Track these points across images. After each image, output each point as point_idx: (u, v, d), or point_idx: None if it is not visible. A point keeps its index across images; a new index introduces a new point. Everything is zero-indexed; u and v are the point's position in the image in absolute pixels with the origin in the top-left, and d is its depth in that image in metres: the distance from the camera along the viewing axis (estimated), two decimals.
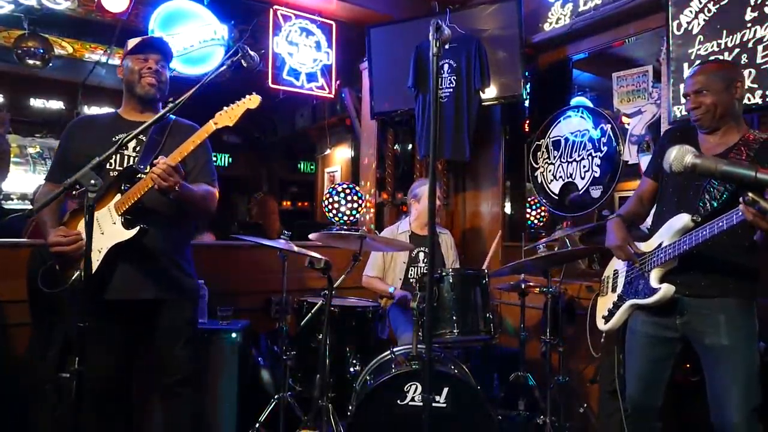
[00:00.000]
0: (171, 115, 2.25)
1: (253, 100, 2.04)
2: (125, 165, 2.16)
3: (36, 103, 7.62)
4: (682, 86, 2.77)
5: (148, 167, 2.06)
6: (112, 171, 2.15)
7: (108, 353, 2.15)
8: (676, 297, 2.00)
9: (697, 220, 1.94)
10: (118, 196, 2.07)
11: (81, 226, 2.11)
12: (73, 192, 1.74)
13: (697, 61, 2.23)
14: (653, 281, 2.03)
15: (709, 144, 2.09)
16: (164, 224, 2.17)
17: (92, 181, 1.64)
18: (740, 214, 1.62)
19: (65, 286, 2.05)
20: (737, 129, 2.06)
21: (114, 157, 2.13)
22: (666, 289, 1.99)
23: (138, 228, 2.03)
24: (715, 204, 1.95)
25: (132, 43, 2.26)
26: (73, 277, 2.05)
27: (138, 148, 2.19)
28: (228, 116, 2.02)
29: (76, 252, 2.03)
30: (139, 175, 2.05)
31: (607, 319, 2.24)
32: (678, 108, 2.90)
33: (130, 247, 2.04)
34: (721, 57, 2.73)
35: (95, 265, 2.01)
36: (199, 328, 2.74)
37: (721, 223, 1.74)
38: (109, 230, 2.05)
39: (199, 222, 2.51)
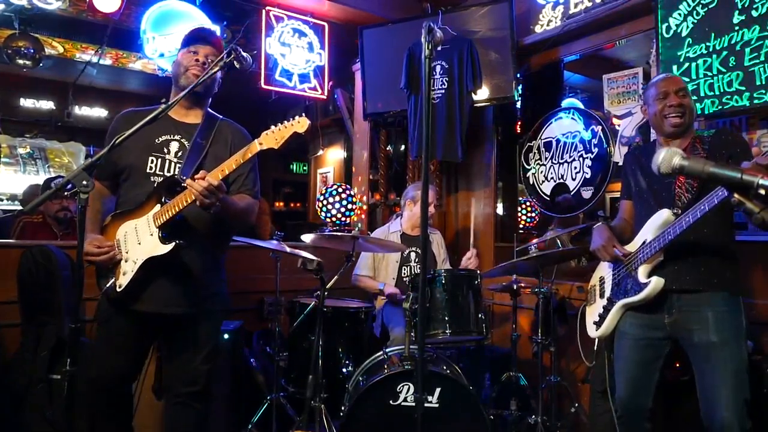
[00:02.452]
0: (219, 116, 2.23)
1: (301, 123, 1.91)
2: (167, 171, 2.09)
3: (26, 103, 7.56)
4: None
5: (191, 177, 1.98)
6: (153, 176, 2.08)
7: (120, 355, 2.10)
8: (665, 292, 2.01)
9: (678, 213, 1.97)
10: (158, 207, 2.00)
11: (119, 233, 2.07)
12: (65, 193, 1.72)
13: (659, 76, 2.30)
14: (641, 277, 2.05)
15: None
16: (201, 239, 2.11)
17: (84, 182, 1.62)
18: (720, 194, 1.65)
19: (100, 293, 2.05)
20: (689, 133, 2.14)
21: (156, 161, 2.09)
22: (656, 282, 1.99)
23: (174, 244, 1.96)
24: (690, 196, 1.99)
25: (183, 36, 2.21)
26: (108, 285, 2.03)
27: (180, 154, 2.11)
28: (274, 138, 1.91)
29: (108, 263, 2.01)
30: (180, 186, 1.97)
31: (598, 324, 2.25)
32: None
33: (165, 261, 1.98)
34: (709, 59, 2.77)
35: (129, 276, 1.98)
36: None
37: (703, 207, 1.76)
38: (145, 241, 2.00)
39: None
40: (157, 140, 2.10)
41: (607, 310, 2.21)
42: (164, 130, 2.11)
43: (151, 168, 2.09)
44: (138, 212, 2.04)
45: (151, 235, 1.99)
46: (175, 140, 2.11)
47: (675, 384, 2.33)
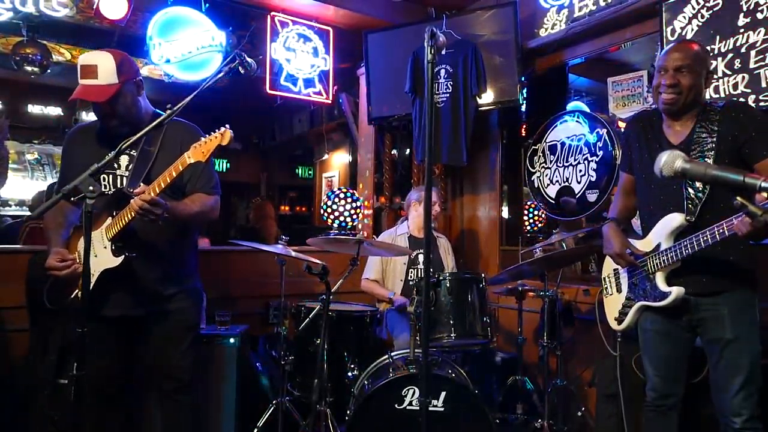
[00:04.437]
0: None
1: (225, 136, 1.92)
2: (117, 184, 2.13)
3: (34, 109, 7.60)
4: None
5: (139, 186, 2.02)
6: (106, 191, 2.12)
7: (105, 356, 2.16)
8: (685, 298, 2.01)
9: (691, 220, 1.96)
10: (109, 220, 2.06)
11: (80, 245, 2.11)
12: (72, 198, 1.74)
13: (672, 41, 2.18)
14: (661, 284, 2.04)
15: (673, 130, 2.09)
16: (157, 245, 2.16)
17: (90, 188, 1.65)
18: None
19: (66, 302, 2.09)
20: (693, 112, 2.04)
21: (107, 178, 2.13)
22: (677, 292, 1.99)
23: (123, 257, 2.03)
24: (700, 195, 1.96)
25: None
26: (72, 295, 2.09)
27: (129, 165, 2.14)
28: (201, 151, 1.92)
29: (70, 276, 2.05)
30: (128, 198, 2.01)
31: (620, 320, 2.25)
32: None
33: (122, 270, 2.05)
34: (714, 62, 2.76)
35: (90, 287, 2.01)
36: (198, 334, 2.77)
37: (722, 230, 1.76)
38: (100, 254, 2.06)
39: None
40: (107, 157, 2.12)
41: (626, 307, 2.21)
42: (113, 145, 2.07)
43: (105, 186, 2.13)
44: (94, 225, 2.07)
45: (105, 247, 2.05)
46: (125, 153, 2.06)
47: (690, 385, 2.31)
